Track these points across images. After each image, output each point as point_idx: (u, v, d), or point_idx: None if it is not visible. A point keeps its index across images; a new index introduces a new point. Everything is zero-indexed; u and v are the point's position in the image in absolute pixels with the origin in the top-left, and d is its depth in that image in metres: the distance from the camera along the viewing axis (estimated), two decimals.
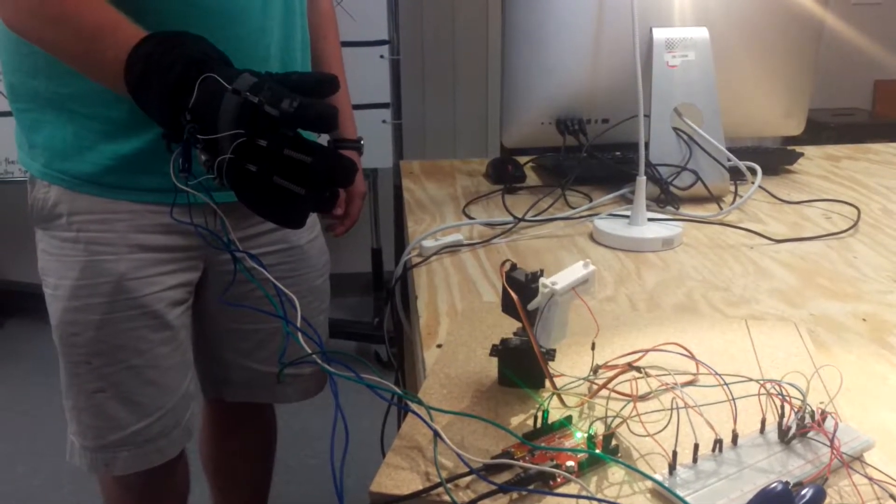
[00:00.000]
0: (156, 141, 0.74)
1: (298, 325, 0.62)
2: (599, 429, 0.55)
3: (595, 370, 0.64)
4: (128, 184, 0.98)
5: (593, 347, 0.65)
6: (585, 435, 0.54)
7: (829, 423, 0.54)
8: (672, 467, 0.51)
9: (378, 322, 2.77)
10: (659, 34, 1.16)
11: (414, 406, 0.58)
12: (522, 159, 1.42)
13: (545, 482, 0.50)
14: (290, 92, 0.67)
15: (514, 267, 0.61)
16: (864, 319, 0.79)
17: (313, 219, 1.23)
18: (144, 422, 1.06)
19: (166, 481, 1.18)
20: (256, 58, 0.99)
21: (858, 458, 0.53)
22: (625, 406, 0.57)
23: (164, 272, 1.03)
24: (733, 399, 0.56)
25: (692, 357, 0.64)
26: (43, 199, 1.00)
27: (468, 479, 0.51)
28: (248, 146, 0.66)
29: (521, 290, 0.59)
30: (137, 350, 1.03)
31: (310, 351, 0.60)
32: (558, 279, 0.59)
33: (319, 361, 0.59)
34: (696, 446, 0.52)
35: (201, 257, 1.08)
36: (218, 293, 1.16)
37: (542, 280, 0.59)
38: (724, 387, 0.57)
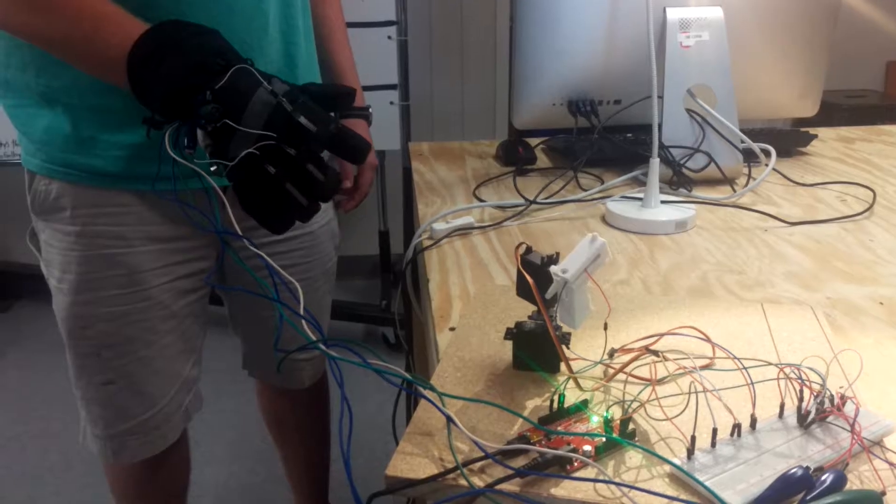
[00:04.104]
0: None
1: (301, 312, 0.61)
2: (616, 413, 0.54)
3: (611, 354, 0.64)
4: (136, 172, 0.96)
5: (605, 328, 0.64)
6: (602, 419, 0.54)
7: (849, 408, 0.53)
8: (690, 452, 0.50)
9: (385, 304, 2.77)
10: (673, 14, 1.14)
11: (427, 392, 0.57)
12: (532, 141, 1.41)
13: (562, 466, 0.50)
14: (324, 111, 0.69)
15: (529, 250, 0.60)
16: (881, 303, 0.78)
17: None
18: (152, 410, 1.07)
19: (164, 463, 1.18)
20: (254, 28, 0.96)
21: (879, 442, 0.53)
22: (642, 390, 0.56)
23: (173, 262, 1.03)
24: (752, 383, 0.55)
25: (709, 340, 0.64)
26: (45, 191, 0.98)
27: (484, 463, 0.50)
28: (269, 147, 0.67)
29: (536, 274, 0.59)
30: (147, 341, 1.03)
31: (314, 338, 0.59)
32: (569, 265, 0.58)
33: (324, 349, 0.58)
34: (715, 430, 0.51)
35: (212, 245, 1.07)
36: (233, 278, 1.18)
37: (553, 269, 0.58)
38: (743, 370, 0.56)
